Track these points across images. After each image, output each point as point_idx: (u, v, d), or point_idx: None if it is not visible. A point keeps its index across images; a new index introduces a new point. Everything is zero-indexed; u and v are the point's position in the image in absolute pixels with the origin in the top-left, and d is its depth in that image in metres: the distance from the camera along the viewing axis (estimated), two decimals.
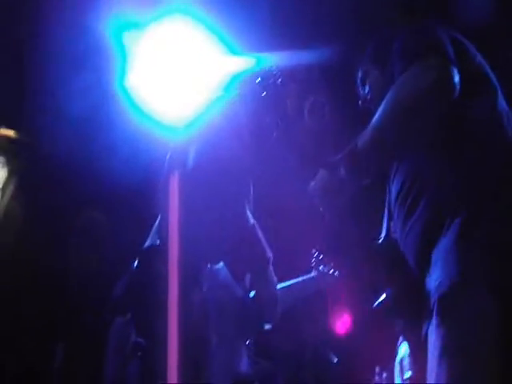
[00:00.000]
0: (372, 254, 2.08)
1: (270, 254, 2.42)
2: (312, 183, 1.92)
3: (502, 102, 1.87)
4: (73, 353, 3.42)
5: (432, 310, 1.66)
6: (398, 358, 3.24)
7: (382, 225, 2.07)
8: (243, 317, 2.40)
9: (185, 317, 2.03)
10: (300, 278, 3.17)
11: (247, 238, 2.35)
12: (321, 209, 1.92)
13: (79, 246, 3.69)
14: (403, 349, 2.81)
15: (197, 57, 2.62)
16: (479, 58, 1.91)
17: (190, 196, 2.26)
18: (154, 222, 2.54)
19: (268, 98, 2.32)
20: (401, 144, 1.83)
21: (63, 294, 3.56)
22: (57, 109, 3.81)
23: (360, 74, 2.13)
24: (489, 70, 1.91)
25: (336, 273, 3.40)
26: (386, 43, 1.96)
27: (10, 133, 4.23)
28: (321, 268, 3.38)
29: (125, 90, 2.81)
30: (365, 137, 1.79)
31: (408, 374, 3.10)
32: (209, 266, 2.32)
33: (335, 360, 3.88)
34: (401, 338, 2.26)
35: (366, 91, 2.10)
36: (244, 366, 2.40)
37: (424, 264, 1.77)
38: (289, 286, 2.97)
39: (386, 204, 2.05)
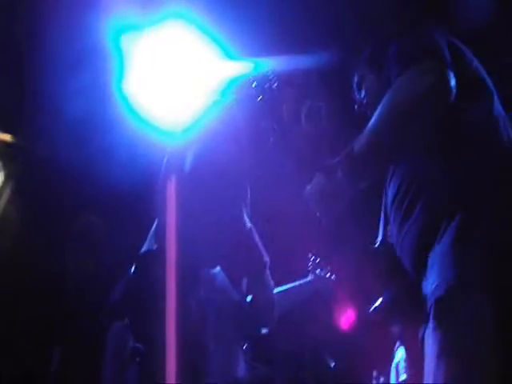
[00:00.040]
0: (368, 258, 2.08)
1: (266, 258, 2.43)
2: (308, 187, 1.92)
3: (498, 107, 1.88)
4: (70, 357, 3.41)
5: (428, 314, 1.66)
6: (394, 363, 3.25)
7: (378, 229, 2.07)
8: (240, 321, 2.40)
9: (183, 321, 2.04)
10: (297, 282, 3.17)
11: (244, 242, 2.35)
12: (317, 213, 1.91)
13: (76, 249, 3.69)
14: (400, 353, 2.81)
15: (194, 61, 2.62)
16: (476, 62, 1.92)
17: (187, 200, 2.27)
18: (151, 225, 2.54)
19: (264, 103, 2.32)
20: (397, 148, 1.84)
21: (60, 297, 3.55)
22: (54, 111, 3.81)
23: (356, 79, 2.14)
24: (485, 75, 1.92)
25: (333, 276, 3.41)
26: (382, 47, 1.97)
27: (7, 137, 4.23)
28: (317, 272, 3.38)
29: (122, 94, 2.81)
30: (361, 140, 1.80)
31: (403, 377, 3.11)
32: (206, 269, 2.31)
33: (333, 364, 3.88)
34: (398, 343, 2.26)
35: (362, 96, 2.11)
36: (241, 370, 2.39)
37: (420, 268, 1.77)
38: (286, 290, 2.97)
39: (383, 208, 2.05)
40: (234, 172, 2.32)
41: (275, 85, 2.34)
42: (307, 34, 3.43)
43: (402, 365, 3.08)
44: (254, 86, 2.37)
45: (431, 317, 1.64)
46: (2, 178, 4.27)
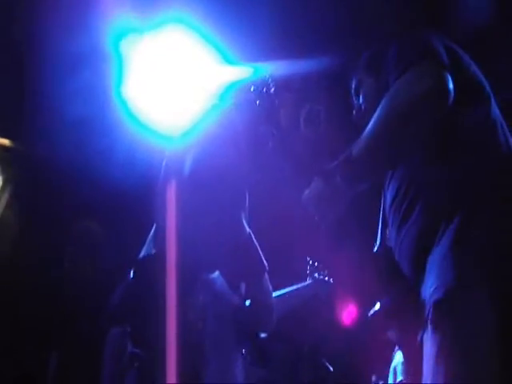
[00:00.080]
0: (367, 261, 2.08)
1: (265, 263, 2.42)
2: (306, 192, 1.92)
3: (495, 111, 1.88)
4: (68, 361, 3.41)
5: (427, 317, 1.66)
6: (392, 366, 3.24)
7: (377, 232, 2.07)
8: (239, 325, 2.39)
9: (182, 326, 2.03)
10: (295, 286, 3.17)
11: (243, 247, 2.34)
12: (315, 218, 1.91)
13: (75, 254, 3.69)
14: (398, 356, 2.81)
15: (193, 65, 2.63)
16: (473, 66, 1.92)
17: (186, 204, 2.27)
18: (150, 229, 2.54)
19: (262, 107, 2.32)
20: (396, 151, 1.84)
21: (59, 301, 3.55)
22: (53, 115, 3.81)
23: (354, 84, 2.14)
24: (483, 79, 1.92)
25: (331, 280, 3.41)
26: (380, 52, 1.98)
27: (5, 141, 4.23)
28: (316, 275, 3.38)
29: (121, 98, 2.82)
30: (360, 144, 1.80)
31: (400, 378, 3.11)
32: (205, 274, 2.31)
33: (331, 369, 3.88)
34: (396, 347, 2.25)
35: (360, 101, 2.10)
36: (240, 374, 2.39)
37: (419, 271, 1.77)
38: (284, 293, 2.97)
39: (381, 211, 2.05)
40: (232, 176, 2.32)
41: (273, 89, 2.35)
42: (306, 38, 3.44)
43: (400, 368, 3.08)
44: (252, 90, 2.37)
45: (430, 320, 1.64)
46: (1, 182, 4.27)
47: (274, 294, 2.62)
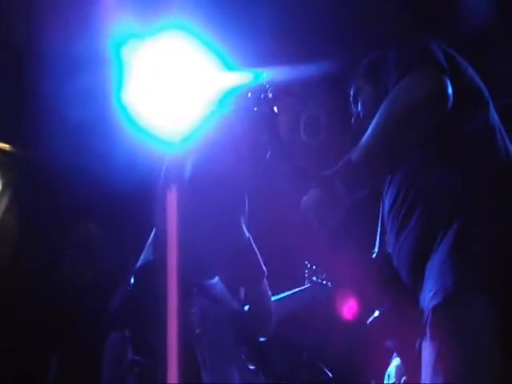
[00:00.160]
0: (366, 268, 2.08)
1: (264, 268, 2.43)
2: (304, 198, 1.91)
3: (494, 116, 1.88)
4: (67, 365, 3.41)
5: (426, 323, 1.65)
6: (388, 371, 3.24)
7: (375, 238, 2.07)
8: (238, 330, 2.40)
9: (183, 330, 2.04)
10: (293, 290, 3.17)
11: (242, 252, 2.35)
12: (314, 224, 1.91)
13: (75, 257, 3.70)
14: (393, 362, 2.81)
15: (193, 71, 2.63)
16: (471, 71, 1.93)
17: (186, 209, 2.27)
18: (150, 233, 2.54)
19: (259, 114, 2.32)
20: (395, 156, 1.84)
21: (59, 304, 3.55)
22: (53, 119, 3.82)
23: (352, 91, 2.14)
24: (481, 84, 1.92)
25: (329, 283, 3.41)
26: (379, 59, 1.98)
27: (5, 146, 4.23)
28: (314, 278, 3.38)
29: (122, 104, 2.82)
30: (359, 150, 1.80)
31: (393, 380, 3.11)
32: (204, 279, 2.32)
33: (330, 375, 3.87)
34: (394, 354, 2.25)
35: (359, 108, 2.10)
36: (240, 379, 2.39)
37: (417, 277, 1.76)
38: (282, 297, 2.97)
39: (380, 217, 2.05)
40: (232, 181, 2.32)
41: (271, 95, 2.35)
42: (306, 43, 3.44)
43: (394, 372, 3.08)
44: (249, 96, 2.37)
45: (428, 325, 1.64)
46: (0, 186, 4.27)
47: (273, 298, 2.63)
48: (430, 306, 1.65)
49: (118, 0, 3.15)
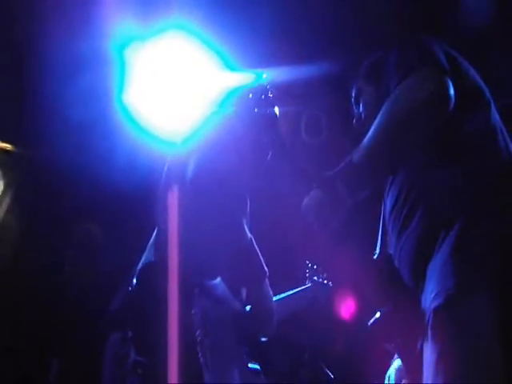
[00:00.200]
0: (367, 269, 2.08)
1: (266, 268, 2.43)
2: (305, 200, 1.91)
3: (495, 116, 1.88)
4: (69, 365, 3.41)
5: (427, 324, 1.66)
6: (388, 372, 3.24)
7: (377, 239, 2.07)
8: (239, 330, 2.40)
9: (184, 331, 2.04)
10: (295, 290, 3.18)
11: (244, 252, 2.35)
12: (315, 226, 1.90)
13: (76, 257, 3.70)
14: (394, 364, 2.81)
15: (194, 72, 2.64)
16: (472, 72, 1.92)
17: (188, 209, 2.27)
18: (151, 233, 2.55)
19: (260, 114, 2.32)
20: (397, 157, 1.84)
21: (60, 305, 3.55)
22: (54, 119, 3.82)
23: (354, 93, 2.14)
24: (482, 85, 1.92)
25: (330, 283, 3.41)
26: (380, 60, 1.98)
27: (6, 145, 4.23)
28: (315, 278, 3.38)
29: (123, 104, 2.83)
30: (360, 151, 1.80)
31: (393, 382, 3.10)
32: (206, 280, 2.32)
33: (332, 376, 3.88)
34: (395, 355, 2.24)
35: (360, 109, 2.10)
36: (240, 380, 2.39)
37: (419, 278, 1.77)
38: (284, 297, 2.97)
39: (381, 218, 2.05)
40: (233, 181, 2.32)
41: (272, 95, 2.35)
42: (307, 44, 3.44)
43: (394, 374, 3.08)
44: (250, 97, 2.37)
45: (429, 327, 1.64)
46: (2, 186, 4.28)
47: (274, 298, 2.63)
48: (432, 307, 1.65)
49: (119, 1, 3.15)
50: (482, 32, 3.45)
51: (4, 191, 4.28)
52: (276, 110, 2.36)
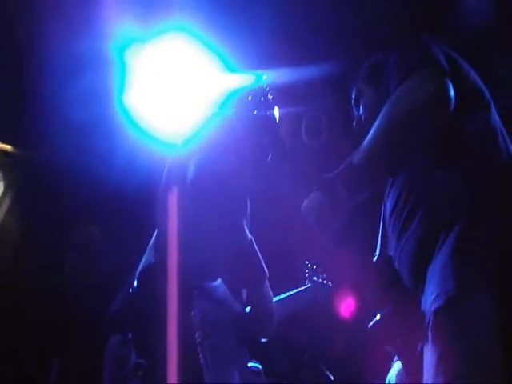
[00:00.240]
0: (367, 271, 2.08)
1: (266, 269, 2.43)
2: (305, 202, 1.91)
3: (495, 117, 1.88)
4: (69, 367, 3.42)
5: (427, 326, 1.66)
6: (389, 375, 3.24)
7: (377, 241, 2.07)
8: (240, 331, 2.40)
9: (183, 332, 2.04)
10: (294, 290, 3.18)
11: (244, 253, 2.35)
12: (315, 228, 1.90)
13: (76, 260, 3.70)
14: (394, 367, 2.81)
15: (195, 73, 2.64)
16: (473, 74, 1.93)
17: (188, 210, 2.28)
18: (152, 234, 2.55)
19: (260, 116, 2.32)
20: (397, 159, 1.84)
21: (60, 306, 3.56)
22: (54, 121, 3.82)
23: (354, 95, 2.14)
24: (482, 86, 1.92)
25: (329, 283, 3.41)
26: (380, 62, 1.98)
27: (7, 147, 4.24)
28: (314, 278, 3.38)
29: (123, 105, 2.83)
30: (360, 153, 1.80)
31: None
32: (207, 281, 2.32)
33: (331, 377, 3.88)
34: (395, 357, 2.24)
35: (360, 111, 2.10)
36: (240, 381, 2.39)
37: (419, 280, 1.77)
38: (283, 298, 2.98)
39: (381, 220, 2.05)
40: (234, 183, 2.33)
41: (271, 97, 2.35)
42: (308, 44, 3.44)
43: (395, 378, 3.07)
44: (249, 99, 2.37)
45: (430, 328, 1.64)
46: (2, 187, 4.28)
47: (274, 299, 2.63)
48: (432, 308, 1.65)
49: (119, 2, 3.15)
50: (482, 32, 3.45)
51: (4, 192, 4.28)
52: (276, 111, 2.36)
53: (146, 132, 2.81)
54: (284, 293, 3.04)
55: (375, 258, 2.04)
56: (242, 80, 2.40)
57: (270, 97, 2.27)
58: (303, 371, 4.14)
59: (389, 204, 1.92)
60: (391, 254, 1.93)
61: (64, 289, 3.65)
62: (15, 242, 4.18)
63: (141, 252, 2.53)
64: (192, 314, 2.18)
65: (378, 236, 2.07)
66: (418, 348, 1.71)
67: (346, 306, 4.65)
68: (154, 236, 2.51)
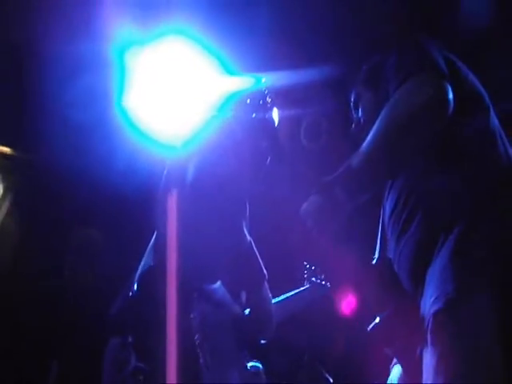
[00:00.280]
0: (366, 274, 2.08)
1: (265, 271, 2.44)
2: (304, 205, 1.91)
3: (494, 121, 1.88)
4: (68, 370, 3.41)
5: (426, 329, 1.66)
6: (389, 380, 3.23)
7: (376, 243, 2.07)
8: (239, 333, 2.40)
9: (183, 336, 2.04)
10: (293, 291, 3.18)
11: (244, 255, 2.36)
12: (314, 231, 1.89)
13: (75, 262, 3.69)
14: (396, 370, 2.81)
15: (194, 76, 2.64)
16: (471, 76, 1.92)
17: (187, 212, 2.28)
18: (151, 237, 2.55)
19: (258, 120, 2.33)
20: (396, 162, 1.84)
21: (59, 309, 3.55)
22: (53, 123, 3.82)
23: (353, 98, 2.13)
24: (481, 89, 1.92)
25: (328, 284, 3.41)
26: (379, 65, 1.98)
27: (6, 149, 4.24)
28: (313, 279, 3.38)
29: (123, 108, 2.83)
30: (359, 156, 1.79)
31: None
32: (206, 283, 2.32)
33: (331, 380, 3.88)
34: (394, 360, 2.24)
35: (359, 115, 2.10)
36: (240, 382, 2.40)
37: (418, 283, 1.76)
38: (282, 299, 2.98)
39: (380, 222, 2.05)
40: (233, 185, 2.33)
41: (270, 100, 2.35)
42: (307, 45, 3.44)
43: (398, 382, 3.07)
44: (248, 102, 2.38)
45: (429, 331, 1.64)
46: (1, 190, 4.28)
47: (274, 300, 2.63)
48: (431, 311, 1.65)
49: (118, 5, 3.16)
50: (481, 35, 3.45)
51: (3, 195, 4.28)
52: (275, 114, 2.37)
53: (145, 134, 2.82)
54: (283, 293, 3.04)
55: (374, 261, 2.04)
56: (240, 83, 2.40)
57: (269, 100, 2.27)
58: (302, 373, 4.14)
59: (388, 206, 1.92)
60: (390, 256, 1.92)
61: (63, 291, 3.65)
62: (14, 244, 4.18)
63: (140, 254, 2.53)
64: (191, 316, 2.18)
65: (376, 238, 2.07)
66: (418, 351, 1.71)
67: (345, 307, 4.65)
68: (154, 238, 2.51)
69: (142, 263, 2.46)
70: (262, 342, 2.56)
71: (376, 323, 1.93)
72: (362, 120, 2.08)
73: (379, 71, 1.95)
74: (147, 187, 2.80)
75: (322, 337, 4.66)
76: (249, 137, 2.39)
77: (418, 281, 1.76)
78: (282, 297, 3.01)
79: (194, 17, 2.93)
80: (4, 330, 3.66)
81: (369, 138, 1.80)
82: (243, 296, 2.51)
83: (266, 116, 2.25)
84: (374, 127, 1.80)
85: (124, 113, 2.93)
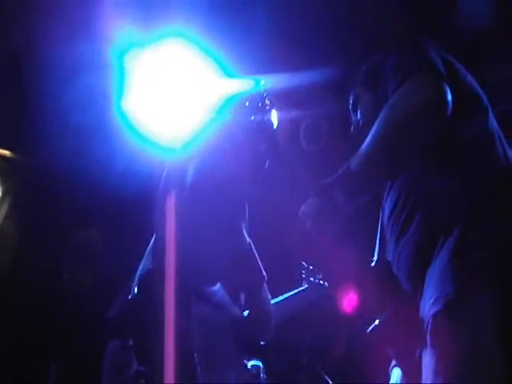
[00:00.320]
0: (365, 276, 2.08)
1: (264, 273, 2.44)
2: (303, 207, 1.91)
3: (493, 122, 1.88)
4: (67, 372, 3.41)
5: (426, 330, 1.66)
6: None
7: (375, 245, 2.07)
8: (238, 335, 2.40)
9: (181, 339, 2.04)
10: (292, 292, 3.18)
11: (243, 257, 2.36)
12: (313, 233, 1.90)
13: (74, 264, 3.69)
14: (395, 373, 2.81)
15: (193, 78, 2.65)
16: (470, 77, 1.93)
17: (187, 214, 2.28)
18: (150, 239, 2.55)
19: (257, 122, 2.33)
20: (395, 163, 1.84)
21: (59, 311, 3.55)
22: (52, 126, 3.82)
23: (351, 99, 2.14)
24: (480, 90, 1.93)
25: (326, 283, 3.42)
26: (378, 66, 1.98)
27: (5, 152, 4.24)
28: (311, 279, 3.39)
29: (122, 110, 2.83)
30: (358, 157, 1.80)
31: None
32: (204, 286, 2.32)
33: (330, 382, 3.88)
34: (393, 363, 2.24)
35: (358, 116, 2.10)
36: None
37: (417, 284, 1.77)
38: (281, 300, 2.98)
39: (379, 224, 2.05)
40: (232, 187, 2.33)
41: (269, 103, 2.35)
42: (306, 46, 3.44)
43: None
44: (247, 104, 2.38)
45: (428, 332, 1.64)
46: (1, 193, 4.28)
47: (273, 301, 2.64)
48: (431, 312, 1.65)
49: (118, 7, 3.16)
50: (480, 37, 3.46)
51: (2, 197, 4.29)
52: (274, 116, 2.37)
53: (144, 136, 2.82)
54: (282, 293, 3.05)
55: (373, 263, 2.04)
56: (239, 85, 2.40)
57: (268, 102, 2.27)
58: (301, 374, 4.14)
59: (387, 207, 1.92)
60: (389, 257, 1.92)
61: (62, 293, 3.65)
62: (14, 246, 4.18)
63: (139, 256, 2.53)
64: (190, 318, 2.18)
65: (376, 239, 2.07)
66: (417, 352, 1.71)
67: (346, 306, 4.65)
68: (152, 240, 2.51)
69: (141, 266, 2.46)
70: (261, 343, 2.56)
71: (375, 325, 1.93)
72: (360, 122, 2.08)
73: (378, 72, 1.95)
74: (146, 189, 2.80)
75: (322, 337, 4.65)
76: (248, 139, 2.39)
77: (418, 282, 1.76)
78: (281, 297, 3.01)
79: (193, 19, 2.94)
80: (4, 331, 3.66)
81: (368, 139, 1.80)
82: (242, 298, 2.51)
83: (265, 118, 2.25)
84: (373, 129, 1.80)
85: (123, 115, 2.93)
